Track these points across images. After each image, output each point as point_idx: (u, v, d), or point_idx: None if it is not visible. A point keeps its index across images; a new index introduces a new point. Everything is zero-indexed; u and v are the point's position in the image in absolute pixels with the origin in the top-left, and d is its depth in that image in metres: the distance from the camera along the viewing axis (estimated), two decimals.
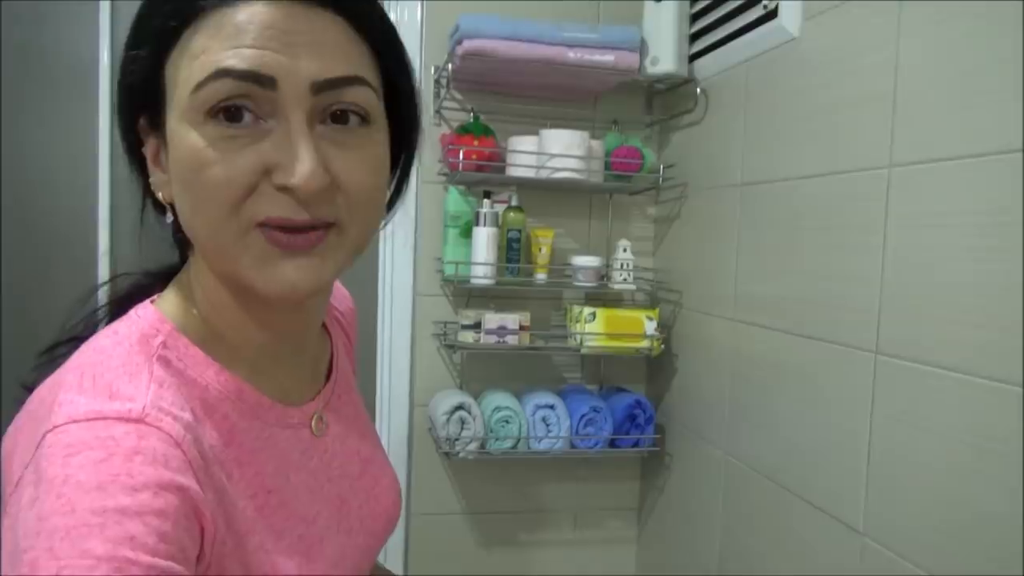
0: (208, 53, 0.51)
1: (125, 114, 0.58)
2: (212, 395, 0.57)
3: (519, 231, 1.76)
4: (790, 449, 1.35)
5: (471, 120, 1.77)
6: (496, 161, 1.74)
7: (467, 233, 1.75)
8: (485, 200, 1.72)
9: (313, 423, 0.67)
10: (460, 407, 1.71)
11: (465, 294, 1.87)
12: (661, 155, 1.92)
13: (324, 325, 0.75)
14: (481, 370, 1.91)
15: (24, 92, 1.83)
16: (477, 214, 1.71)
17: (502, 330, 1.73)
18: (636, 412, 1.80)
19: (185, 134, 0.52)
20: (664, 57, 1.68)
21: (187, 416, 0.53)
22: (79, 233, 1.84)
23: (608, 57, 1.64)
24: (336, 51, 0.54)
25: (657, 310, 1.80)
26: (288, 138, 0.52)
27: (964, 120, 0.98)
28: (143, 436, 0.49)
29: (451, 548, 1.92)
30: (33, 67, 1.83)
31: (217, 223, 0.53)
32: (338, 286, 0.88)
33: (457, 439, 1.70)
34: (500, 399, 1.76)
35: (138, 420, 0.50)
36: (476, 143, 1.72)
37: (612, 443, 1.79)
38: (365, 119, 0.56)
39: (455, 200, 1.77)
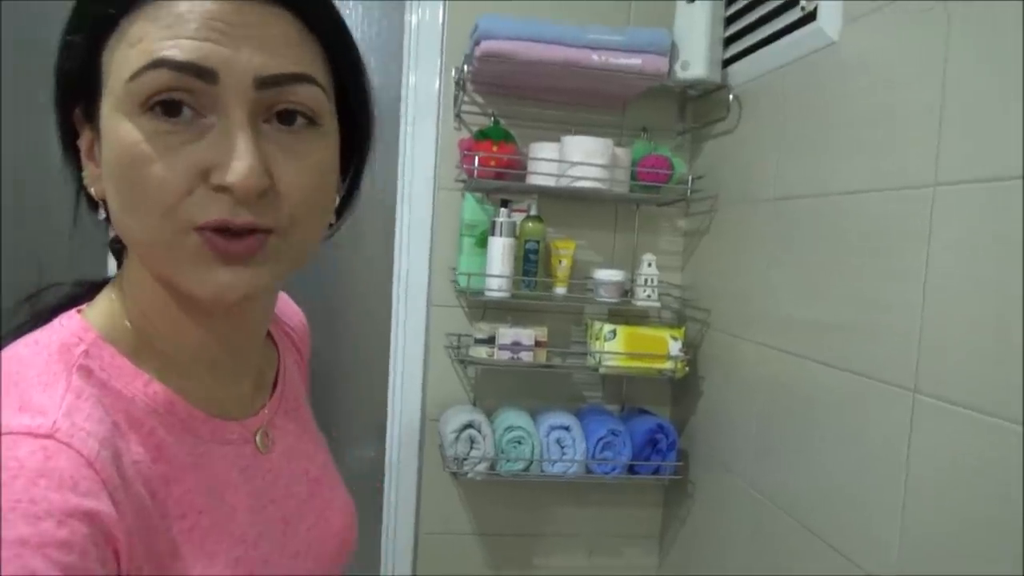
0: (145, 41, 0.48)
1: (60, 103, 0.55)
2: (139, 408, 0.53)
3: (537, 242, 1.68)
4: (819, 490, 1.23)
5: (491, 124, 1.70)
6: (516, 168, 1.66)
7: (483, 243, 1.68)
8: (502, 209, 1.64)
9: (258, 439, 0.63)
10: (470, 425, 1.63)
11: (481, 306, 1.79)
12: (693, 165, 1.82)
13: (272, 338, 0.72)
14: (496, 386, 1.82)
15: (27, 89, 1.77)
16: (493, 223, 1.63)
17: (516, 346, 1.64)
18: (658, 437, 1.70)
19: (118, 125, 0.49)
20: (695, 61, 1.58)
21: (104, 431, 0.49)
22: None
23: (635, 61, 1.55)
24: (283, 47, 0.51)
25: (683, 329, 1.70)
26: (227, 135, 0.49)
27: (1018, 136, 0.87)
28: (50, 456, 0.45)
29: (459, 570, 1.84)
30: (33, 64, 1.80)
31: (151, 224, 0.50)
32: (288, 301, 0.83)
33: (466, 459, 1.62)
34: (513, 418, 1.68)
35: (47, 436, 0.46)
36: (495, 149, 1.64)
37: (631, 469, 1.70)
38: (312, 120, 0.53)
39: (471, 208, 1.70)
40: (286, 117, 0.52)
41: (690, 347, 1.73)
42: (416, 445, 1.80)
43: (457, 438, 1.62)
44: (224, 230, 0.50)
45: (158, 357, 0.57)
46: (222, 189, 0.49)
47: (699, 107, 1.79)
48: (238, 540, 0.57)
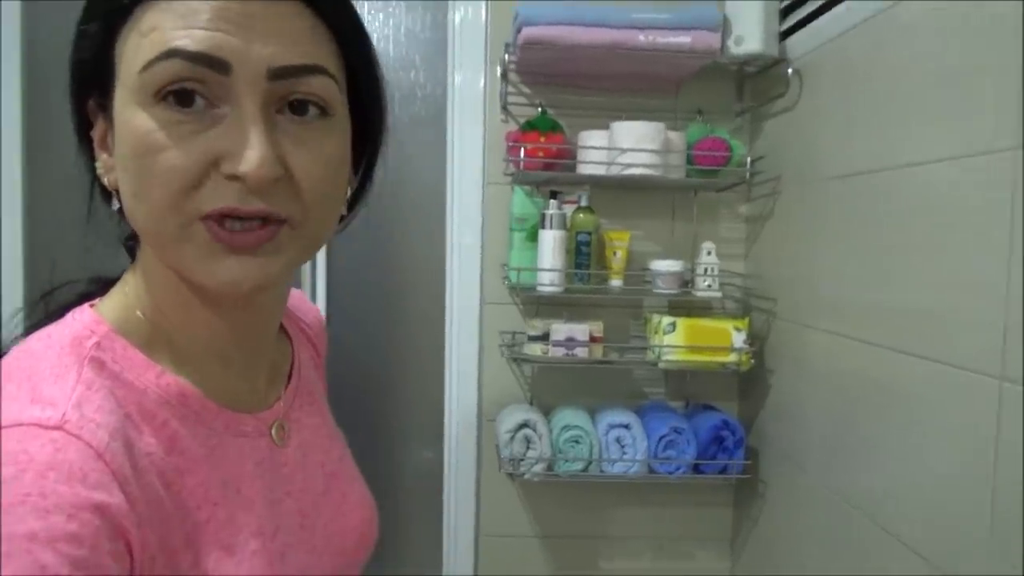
0: (159, 31, 0.48)
1: (75, 93, 0.55)
2: (151, 399, 0.53)
3: (589, 234, 1.61)
4: (897, 488, 1.13)
5: (538, 115, 1.65)
6: (565, 158, 1.61)
7: (533, 237, 1.63)
8: (552, 201, 1.59)
9: (273, 432, 0.63)
10: (525, 424, 1.59)
11: (535, 302, 1.74)
12: (753, 147, 1.72)
13: (286, 332, 0.72)
14: (553, 384, 1.77)
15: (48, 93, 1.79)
16: (543, 216, 1.58)
17: (571, 342, 1.59)
18: (724, 434, 1.62)
19: (131, 115, 0.49)
20: (750, 36, 1.49)
21: (115, 422, 0.49)
22: None
23: (684, 39, 1.47)
24: (296, 37, 0.51)
25: (747, 320, 1.60)
26: (240, 125, 0.49)
27: None
28: (60, 448, 0.45)
29: (522, 572, 1.80)
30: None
31: (160, 212, 0.50)
32: (304, 298, 0.82)
33: (522, 459, 1.58)
34: (571, 416, 1.62)
35: (56, 427, 0.46)
36: (542, 139, 1.59)
37: (696, 468, 1.61)
38: (325, 111, 0.53)
39: (520, 201, 1.65)
40: (298, 108, 0.52)
41: (756, 338, 1.64)
42: (473, 446, 1.77)
43: (512, 438, 1.58)
44: (232, 218, 0.50)
45: (171, 349, 0.56)
46: (234, 178, 0.49)
47: (758, 85, 1.70)
48: (255, 533, 0.56)
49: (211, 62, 0.48)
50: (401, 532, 1.87)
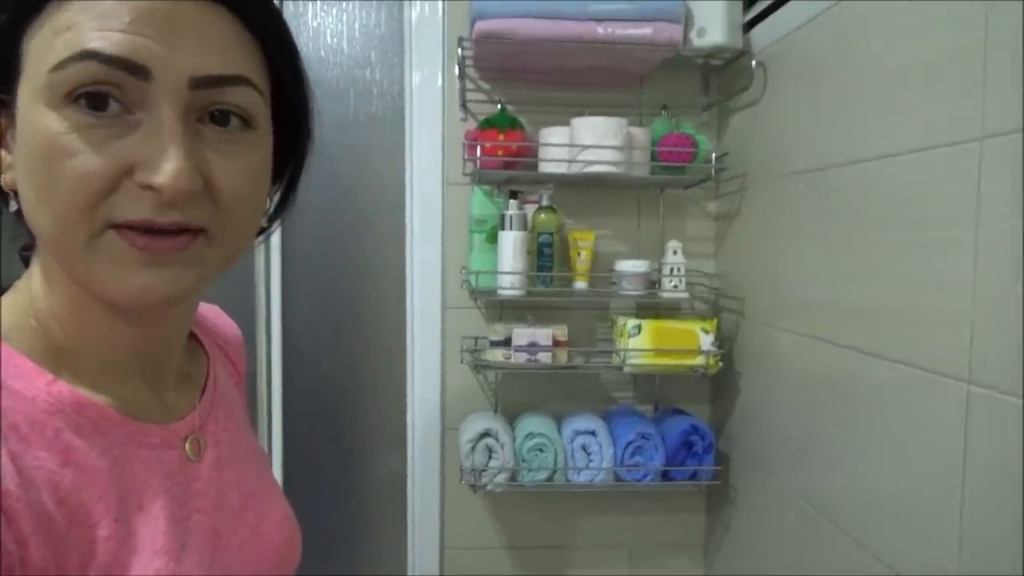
0: (74, 30, 0.45)
1: None
2: (41, 408, 0.49)
3: (551, 234, 1.56)
4: (866, 495, 1.09)
5: (497, 112, 1.59)
6: (526, 156, 1.55)
7: (494, 239, 1.57)
8: (512, 201, 1.54)
9: (187, 445, 0.59)
10: (487, 433, 1.53)
11: (498, 306, 1.69)
12: (720, 142, 1.67)
13: (201, 344, 0.68)
14: (518, 390, 1.72)
15: None
16: (502, 217, 1.53)
17: (533, 347, 1.53)
18: (693, 439, 1.56)
19: (39, 115, 0.46)
20: (712, 27, 1.44)
21: None
22: None
23: (645, 31, 1.42)
24: (220, 46, 0.49)
25: (715, 321, 1.55)
26: (157, 134, 0.47)
27: None
28: None
29: None
30: None
31: (67, 219, 0.47)
32: (222, 314, 0.77)
33: (484, 470, 1.52)
34: (535, 424, 1.57)
35: None
36: (502, 137, 1.53)
37: (665, 475, 1.56)
38: (247, 122, 0.51)
39: (480, 202, 1.59)
40: (220, 118, 0.50)
41: (725, 340, 1.59)
42: (437, 456, 1.71)
43: (473, 448, 1.52)
44: (147, 230, 0.47)
45: (69, 358, 0.53)
46: (149, 188, 0.47)
47: (723, 78, 1.65)
48: (159, 551, 0.52)
49: (130, 67, 0.45)
50: (364, 545, 1.80)
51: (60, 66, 0.45)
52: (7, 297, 0.54)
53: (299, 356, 1.75)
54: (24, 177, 0.48)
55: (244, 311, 1.71)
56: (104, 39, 0.45)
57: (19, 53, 0.48)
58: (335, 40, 1.71)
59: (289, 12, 1.69)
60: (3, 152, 0.51)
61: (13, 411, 0.47)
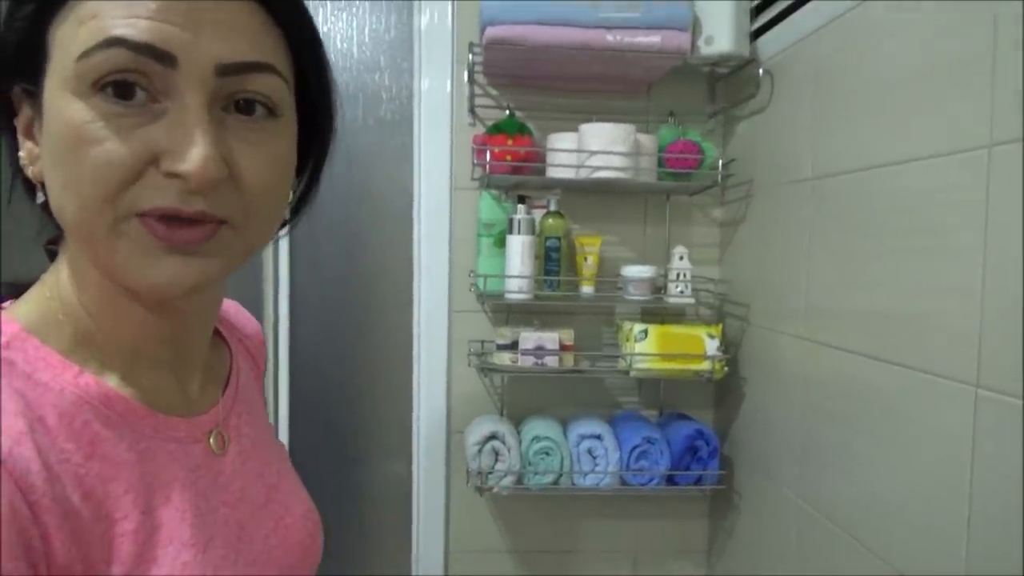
0: (100, 18, 0.46)
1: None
2: (68, 401, 0.49)
3: (559, 239, 1.57)
4: (873, 499, 1.10)
5: (505, 117, 1.60)
6: (534, 161, 1.57)
7: (501, 243, 1.58)
8: (519, 205, 1.55)
9: (212, 439, 0.59)
10: (493, 436, 1.54)
11: (504, 310, 1.70)
12: (726, 149, 1.69)
13: (224, 339, 0.69)
14: (524, 394, 1.72)
15: None
16: (510, 221, 1.54)
17: (540, 350, 1.54)
18: (698, 444, 1.57)
19: (65, 105, 0.46)
20: (720, 35, 1.46)
21: (21, 425, 0.45)
22: None
23: (653, 39, 1.43)
24: (245, 34, 0.49)
25: (720, 327, 1.57)
26: (183, 122, 0.47)
27: None
28: None
29: None
30: None
31: (91, 209, 0.47)
32: (243, 311, 0.78)
33: (490, 473, 1.53)
34: (541, 427, 1.57)
35: None
36: (510, 142, 1.55)
37: (670, 479, 1.57)
38: (272, 111, 0.51)
39: (488, 206, 1.61)
40: (245, 107, 0.50)
41: (730, 345, 1.60)
42: (442, 459, 1.72)
43: (480, 451, 1.53)
44: (172, 218, 0.47)
45: (96, 351, 0.53)
46: (174, 176, 0.46)
47: (729, 86, 1.67)
48: (187, 544, 0.52)
49: (157, 54, 0.45)
50: (369, 548, 1.81)
51: (86, 54, 0.45)
52: (33, 290, 0.55)
53: (306, 358, 1.76)
54: (51, 167, 0.49)
55: (252, 313, 1.71)
56: (130, 26, 0.45)
57: (45, 44, 0.48)
58: (345, 45, 1.72)
59: None
60: (29, 144, 0.52)
61: (40, 404, 0.47)
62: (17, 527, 0.41)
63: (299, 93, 0.55)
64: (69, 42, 0.46)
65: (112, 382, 0.52)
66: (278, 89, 0.51)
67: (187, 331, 0.58)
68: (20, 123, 0.51)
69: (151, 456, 0.52)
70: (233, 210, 0.50)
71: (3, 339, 0.49)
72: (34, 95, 0.49)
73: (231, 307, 0.75)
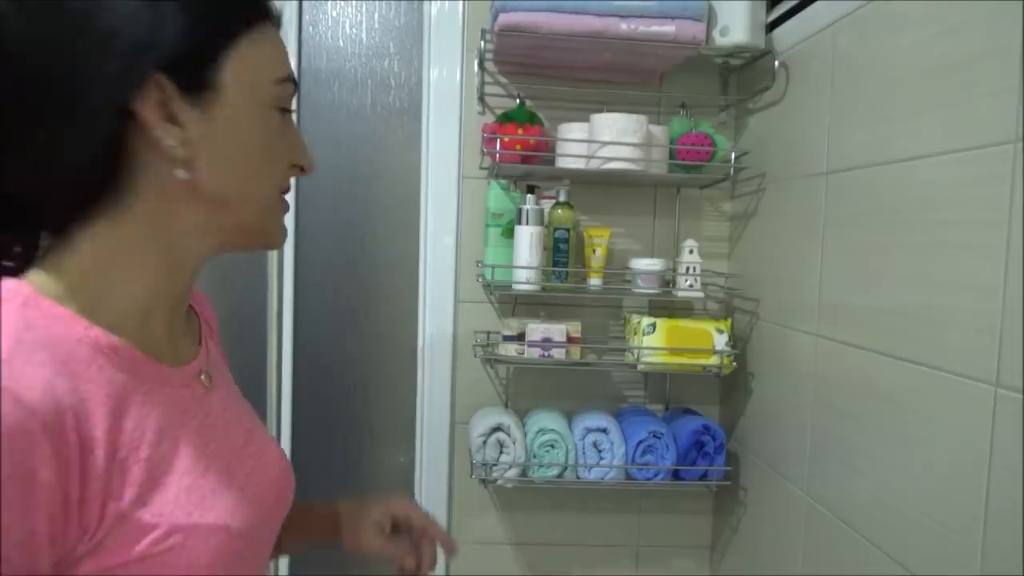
0: (278, 55, 0.66)
1: (137, 65, 0.57)
2: (85, 348, 0.56)
3: (568, 230, 1.55)
4: (886, 498, 1.08)
5: (515, 106, 1.58)
6: (544, 151, 1.55)
7: (510, 233, 1.57)
8: (528, 195, 1.53)
9: (203, 377, 0.70)
10: (498, 428, 1.53)
11: (511, 301, 1.68)
12: (738, 142, 1.67)
13: (190, 305, 0.78)
14: (530, 386, 1.71)
15: None
16: (519, 211, 1.52)
17: (547, 342, 1.53)
18: (704, 439, 1.56)
19: (266, 116, 0.64)
20: (735, 26, 1.44)
21: (47, 373, 0.52)
22: None
23: (668, 28, 1.41)
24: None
25: (729, 321, 1.55)
26: (296, 132, 0.70)
27: None
28: None
29: None
30: None
31: (269, 187, 0.67)
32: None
33: (495, 465, 1.52)
34: (546, 420, 1.56)
35: None
36: (520, 131, 1.53)
37: (675, 474, 1.56)
38: None
39: (496, 196, 1.59)
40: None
41: (739, 340, 1.59)
42: (446, 450, 1.71)
43: (485, 443, 1.52)
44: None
45: (107, 313, 0.60)
46: (299, 168, 0.70)
47: (743, 78, 1.64)
48: (188, 471, 0.61)
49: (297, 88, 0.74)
50: None
51: (280, 82, 0.65)
52: (32, 272, 0.60)
53: (310, 347, 1.74)
54: (229, 157, 0.62)
55: (256, 301, 1.70)
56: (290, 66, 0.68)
57: (227, 54, 0.60)
58: (354, 30, 1.70)
59: (309, 1, 1.68)
60: (175, 129, 0.59)
61: (59, 347, 0.54)
62: (54, 470, 0.50)
63: None
64: (263, 65, 0.63)
65: (118, 338, 0.59)
66: None
67: (187, 290, 0.69)
68: (152, 109, 0.57)
69: (152, 397, 0.61)
70: None
71: (20, 299, 0.55)
72: (192, 90, 0.59)
73: None
